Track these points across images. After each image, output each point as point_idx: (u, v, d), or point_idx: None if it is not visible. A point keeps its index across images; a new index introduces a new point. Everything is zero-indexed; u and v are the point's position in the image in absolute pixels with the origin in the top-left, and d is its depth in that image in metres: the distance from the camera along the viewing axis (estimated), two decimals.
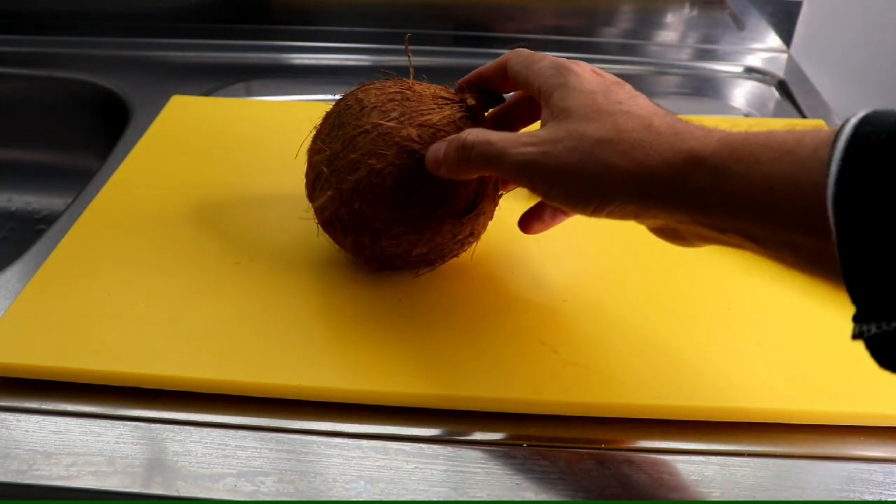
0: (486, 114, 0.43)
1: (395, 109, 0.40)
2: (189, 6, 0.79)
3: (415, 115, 0.40)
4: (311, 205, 0.43)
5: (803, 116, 0.68)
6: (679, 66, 0.77)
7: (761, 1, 0.77)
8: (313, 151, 0.43)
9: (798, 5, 0.77)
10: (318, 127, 0.43)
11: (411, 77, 0.44)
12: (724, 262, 0.47)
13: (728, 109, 0.72)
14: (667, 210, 0.32)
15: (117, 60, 0.75)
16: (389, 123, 0.39)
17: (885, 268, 0.25)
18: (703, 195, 0.30)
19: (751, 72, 0.77)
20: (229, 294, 0.44)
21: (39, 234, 0.51)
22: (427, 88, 0.42)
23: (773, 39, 0.79)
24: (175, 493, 0.34)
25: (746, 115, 0.70)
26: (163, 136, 0.60)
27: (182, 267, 0.46)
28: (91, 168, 0.60)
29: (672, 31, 0.79)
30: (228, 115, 0.63)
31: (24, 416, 0.38)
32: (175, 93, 0.66)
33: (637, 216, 0.34)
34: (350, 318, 0.42)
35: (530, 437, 0.37)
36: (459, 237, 0.42)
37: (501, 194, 0.45)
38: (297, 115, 0.63)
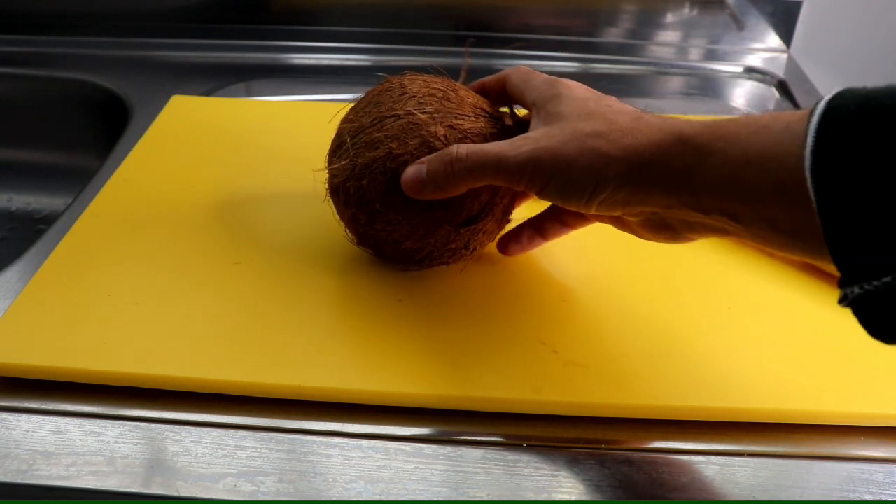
0: None
1: (432, 105, 0.40)
2: (189, 6, 0.79)
3: (449, 115, 0.40)
4: (326, 168, 0.43)
5: None
6: (679, 66, 0.77)
7: (761, 1, 0.77)
8: (344, 120, 0.43)
9: (798, 5, 0.77)
10: (358, 99, 0.44)
11: (462, 80, 0.44)
12: (723, 262, 0.47)
13: (728, 109, 0.72)
14: (655, 193, 0.33)
15: (117, 60, 0.75)
16: (422, 115, 0.40)
17: (864, 227, 0.26)
18: (689, 174, 0.31)
19: (751, 72, 0.77)
20: (229, 294, 0.44)
21: (39, 234, 0.51)
22: (470, 96, 0.42)
23: (773, 39, 0.79)
24: (175, 493, 0.34)
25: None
26: (163, 136, 0.60)
27: (182, 267, 0.46)
28: (91, 168, 0.60)
29: (672, 31, 0.79)
30: (228, 115, 0.63)
31: (24, 416, 0.38)
32: (175, 93, 0.66)
33: (627, 203, 0.34)
34: (350, 319, 0.42)
35: (530, 437, 0.37)
36: (452, 245, 0.42)
37: (510, 220, 0.45)
38: (297, 115, 0.64)
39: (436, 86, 0.41)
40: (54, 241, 0.48)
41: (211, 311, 0.42)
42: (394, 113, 0.40)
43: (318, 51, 0.78)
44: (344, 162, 0.41)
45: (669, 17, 0.79)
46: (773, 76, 0.76)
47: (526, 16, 0.79)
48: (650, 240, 0.38)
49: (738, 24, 0.78)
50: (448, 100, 0.41)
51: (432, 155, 0.39)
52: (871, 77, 0.88)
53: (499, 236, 0.45)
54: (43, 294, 0.43)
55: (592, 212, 0.36)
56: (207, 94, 0.70)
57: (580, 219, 0.43)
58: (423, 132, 0.39)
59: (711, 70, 0.77)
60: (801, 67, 0.77)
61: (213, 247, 0.47)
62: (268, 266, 0.46)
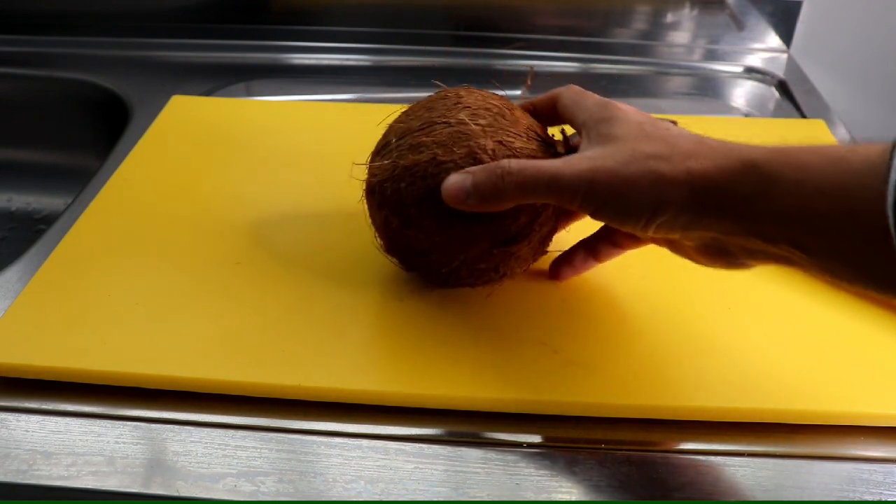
0: None
1: (485, 118, 0.39)
2: (189, 6, 0.79)
3: (501, 131, 0.39)
4: (366, 165, 0.42)
5: (803, 116, 0.68)
6: (679, 66, 0.77)
7: (761, 1, 0.77)
8: (395, 121, 0.42)
9: (798, 5, 0.77)
10: (413, 105, 0.43)
11: (522, 99, 0.43)
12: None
13: (728, 109, 0.71)
14: (719, 219, 0.32)
15: (117, 60, 0.75)
16: (474, 126, 0.39)
17: None
18: (755, 201, 0.31)
19: (751, 72, 0.77)
20: (229, 294, 0.44)
21: (39, 234, 0.51)
22: (525, 118, 0.41)
23: (773, 39, 0.79)
24: (175, 493, 0.34)
25: (746, 115, 0.70)
26: (163, 136, 0.60)
27: (182, 267, 0.46)
28: (91, 168, 0.60)
29: (672, 31, 0.79)
30: (228, 115, 0.63)
31: (24, 416, 0.38)
32: (175, 93, 0.66)
33: (687, 228, 0.34)
34: (350, 318, 0.42)
35: (530, 436, 0.37)
36: (482, 265, 0.41)
37: (546, 252, 0.44)
38: (297, 115, 0.64)
39: (492, 101, 0.41)
40: (54, 241, 0.48)
41: (211, 311, 0.42)
42: (445, 120, 0.39)
43: (318, 51, 0.78)
44: (386, 162, 0.40)
45: (669, 18, 0.79)
46: (773, 76, 0.76)
47: (526, 16, 0.79)
48: (704, 265, 0.37)
49: (738, 24, 0.78)
50: (503, 117, 0.40)
51: (480, 166, 0.37)
52: (871, 77, 0.88)
53: (531, 264, 0.44)
54: (43, 294, 0.43)
55: (649, 235, 0.35)
56: (207, 94, 0.70)
57: (634, 241, 0.41)
58: (471, 143, 0.38)
59: (711, 70, 0.77)
60: (801, 67, 0.77)
61: (213, 247, 0.47)
62: (268, 266, 0.46)
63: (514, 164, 0.36)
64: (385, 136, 0.42)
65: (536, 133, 0.41)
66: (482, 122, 0.39)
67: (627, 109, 0.37)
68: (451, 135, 0.39)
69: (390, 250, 0.43)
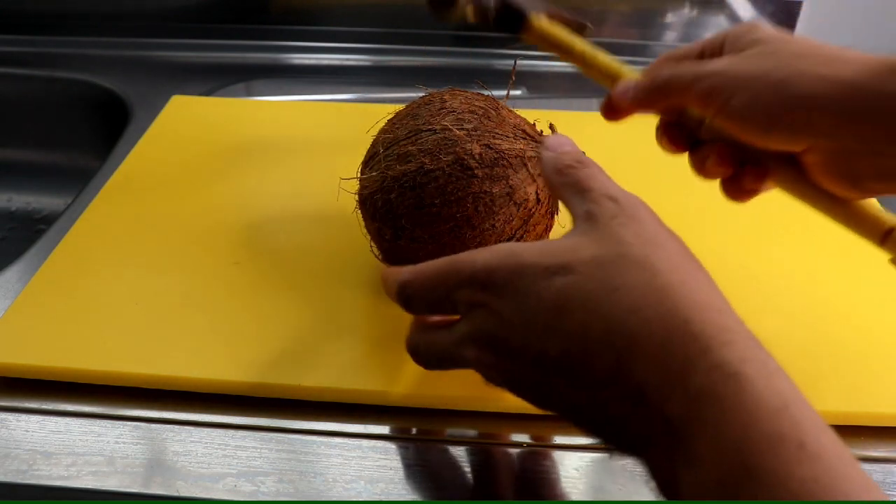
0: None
1: (471, 122, 0.39)
2: (189, 6, 0.79)
3: (487, 134, 0.39)
4: (357, 178, 0.42)
5: None
6: None
7: (761, 1, 0.77)
8: (381, 131, 0.43)
9: (798, 5, 0.77)
10: (398, 111, 0.43)
11: (507, 97, 0.43)
12: (725, 263, 0.47)
13: None
14: (861, 121, 0.31)
15: (117, 60, 0.75)
16: (458, 132, 0.39)
17: None
18: None
19: None
20: (229, 294, 0.44)
21: (39, 234, 0.51)
22: (512, 116, 0.41)
23: None
24: (175, 493, 0.34)
25: None
26: (163, 136, 0.60)
27: (182, 267, 0.46)
28: (91, 168, 0.60)
29: (672, 31, 0.79)
30: (228, 115, 0.63)
31: (24, 416, 0.38)
32: (175, 93, 0.66)
33: (824, 134, 0.31)
34: (350, 319, 0.42)
35: (530, 436, 0.37)
36: None
37: None
38: (297, 115, 0.64)
39: (477, 103, 0.40)
40: (54, 241, 0.48)
41: (211, 311, 0.42)
42: (430, 127, 0.39)
43: (318, 51, 0.78)
44: (374, 174, 0.40)
45: (669, 17, 0.79)
46: None
47: None
48: (821, 187, 0.34)
49: (738, 23, 0.78)
50: (488, 118, 0.40)
51: (645, 76, 0.37)
52: None
53: None
54: (43, 294, 0.43)
55: (776, 140, 0.32)
56: (207, 94, 0.70)
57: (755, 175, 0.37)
58: (457, 149, 0.38)
59: None
60: None
61: (213, 247, 0.47)
62: (268, 266, 0.46)
63: (665, 71, 0.36)
64: (373, 146, 0.42)
65: (524, 131, 0.40)
66: (467, 126, 0.39)
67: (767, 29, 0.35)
68: (437, 142, 0.39)
69: (387, 260, 0.43)
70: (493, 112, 0.40)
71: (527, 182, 0.39)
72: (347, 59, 0.78)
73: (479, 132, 0.39)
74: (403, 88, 0.73)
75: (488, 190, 0.38)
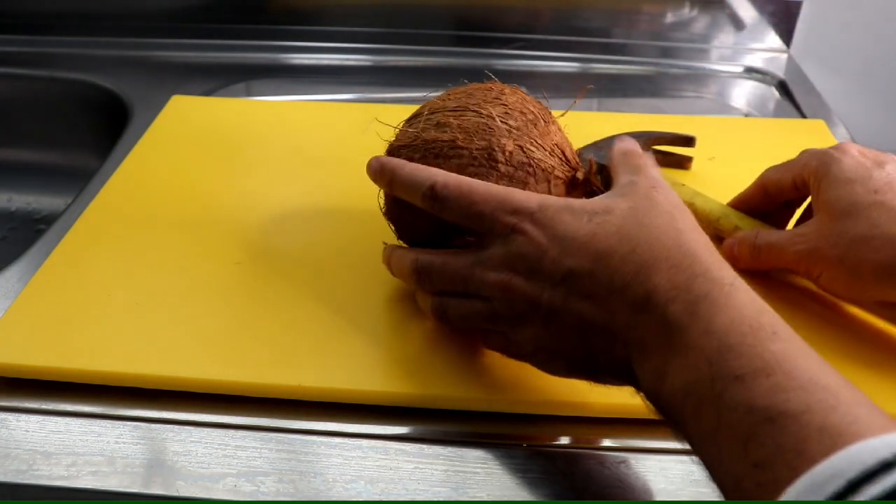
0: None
1: (516, 120, 0.40)
2: (189, 6, 0.79)
3: (526, 138, 0.39)
4: (396, 129, 0.43)
5: (803, 116, 0.68)
6: (679, 66, 0.77)
7: (761, 1, 0.77)
8: (437, 97, 0.43)
9: (798, 5, 0.77)
10: (458, 87, 0.43)
11: (562, 115, 0.43)
12: None
13: (728, 109, 0.71)
14: None
15: (117, 60, 0.75)
16: (501, 125, 0.39)
17: None
18: None
19: (751, 72, 0.77)
20: (229, 294, 0.44)
21: (39, 234, 0.51)
22: (558, 135, 0.41)
23: (773, 39, 0.79)
24: (175, 493, 0.34)
25: (746, 115, 0.70)
26: (163, 136, 0.60)
27: (182, 267, 0.46)
28: (91, 168, 0.60)
29: (672, 31, 0.79)
30: (228, 115, 0.63)
31: (24, 416, 0.38)
32: (175, 93, 0.66)
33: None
34: (350, 319, 0.42)
35: (530, 437, 0.37)
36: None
37: None
38: (297, 115, 0.64)
39: (530, 107, 0.41)
40: (54, 241, 0.48)
41: (211, 310, 0.42)
42: (477, 109, 0.40)
43: (318, 51, 0.78)
44: (411, 130, 0.41)
45: (669, 17, 0.79)
46: (773, 76, 0.76)
47: (526, 16, 0.79)
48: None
49: (738, 23, 0.78)
50: (534, 125, 0.40)
51: (743, 238, 0.44)
52: (871, 77, 0.88)
53: None
54: (43, 294, 0.43)
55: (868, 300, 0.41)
56: (207, 94, 0.70)
57: None
58: (492, 139, 0.39)
59: (711, 70, 0.77)
60: (801, 67, 0.77)
61: (213, 247, 0.47)
62: (268, 266, 0.46)
63: (760, 240, 0.43)
64: (421, 107, 0.43)
65: (563, 152, 0.40)
66: (511, 122, 0.39)
67: (842, 159, 0.40)
68: (478, 125, 0.39)
69: (388, 214, 0.42)
70: (541, 122, 0.40)
71: None
72: (347, 59, 0.78)
73: (519, 133, 0.39)
74: (403, 88, 0.73)
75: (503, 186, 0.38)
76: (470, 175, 0.38)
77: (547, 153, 0.39)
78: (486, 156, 0.38)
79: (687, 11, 0.78)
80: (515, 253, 0.34)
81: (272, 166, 0.56)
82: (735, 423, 0.26)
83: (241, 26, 0.79)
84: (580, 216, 0.33)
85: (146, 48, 0.77)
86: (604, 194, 0.35)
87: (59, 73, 0.73)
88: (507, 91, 0.41)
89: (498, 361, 0.39)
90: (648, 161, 0.37)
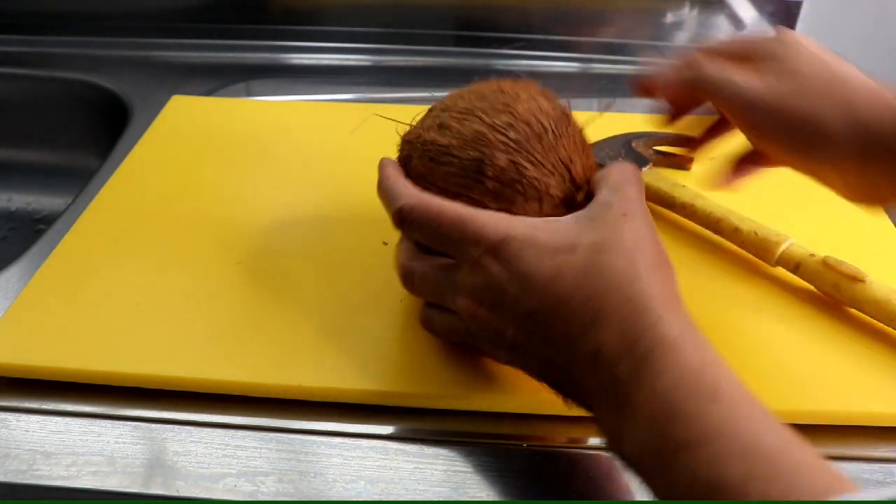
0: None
1: (519, 132, 0.37)
2: (189, 6, 0.79)
3: (522, 153, 0.36)
4: (411, 122, 0.41)
5: None
6: None
7: (761, 1, 0.77)
8: (456, 93, 0.40)
9: (798, 5, 0.77)
10: (479, 82, 0.41)
11: (587, 124, 0.40)
12: (725, 263, 0.47)
13: None
14: (879, 162, 0.34)
15: (117, 60, 0.75)
16: (498, 137, 0.36)
17: None
18: None
19: None
20: (230, 294, 0.44)
21: (39, 234, 0.51)
22: (571, 149, 0.37)
23: None
24: (175, 493, 0.34)
25: None
26: (163, 136, 0.60)
27: (182, 267, 0.46)
28: (91, 168, 0.60)
29: (672, 31, 0.79)
30: (228, 115, 0.63)
31: (24, 416, 0.38)
32: (175, 93, 0.66)
33: (849, 170, 0.35)
34: (351, 318, 0.42)
35: (530, 437, 0.37)
36: None
37: None
38: (297, 115, 0.64)
39: (542, 118, 0.37)
40: (54, 241, 0.48)
41: (211, 311, 0.42)
42: (482, 115, 0.37)
43: (318, 51, 0.78)
44: (416, 126, 0.40)
45: (669, 17, 0.79)
46: None
47: (526, 16, 0.79)
48: (846, 198, 0.38)
49: (738, 23, 0.78)
50: (539, 139, 0.37)
51: (682, 58, 0.40)
52: (871, 76, 0.88)
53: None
54: (43, 294, 0.43)
55: (797, 167, 0.37)
56: (207, 94, 0.70)
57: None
58: (485, 150, 0.36)
59: None
60: None
61: (213, 246, 0.47)
62: (268, 266, 0.46)
63: (708, 69, 0.39)
64: (443, 99, 0.41)
65: (568, 170, 0.37)
66: (512, 135, 0.37)
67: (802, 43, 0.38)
68: (475, 134, 0.37)
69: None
70: (550, 135, 0.37)
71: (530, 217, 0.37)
72: (347, 59, 0.78)
73: (517, 147, 0.36)
74: (403, 88, 0.73)
75: (486, 203, 0.36)
76: (454, 186, 0.37)
77: (546, 170, 0.37)
78: (474, 168, 0.36)
79: (687, 11, 0.78)
80: (480, 285, 0.33)
81: (272, 166, 0.56)
82: (685, 489, 0.26)
83: (241, 26, 0.79)
84: (543, 253, 0.32)
85: (146, 48, 0.77)
86: (576, 215, 0.34)
87: (59, 73, 0.73)
88: (522, 97, 0.38)
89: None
90: (632, 177, 0.35)
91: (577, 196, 0.37)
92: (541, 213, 0.37)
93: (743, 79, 0.37)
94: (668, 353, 0.29)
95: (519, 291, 0.32)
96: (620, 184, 0.35)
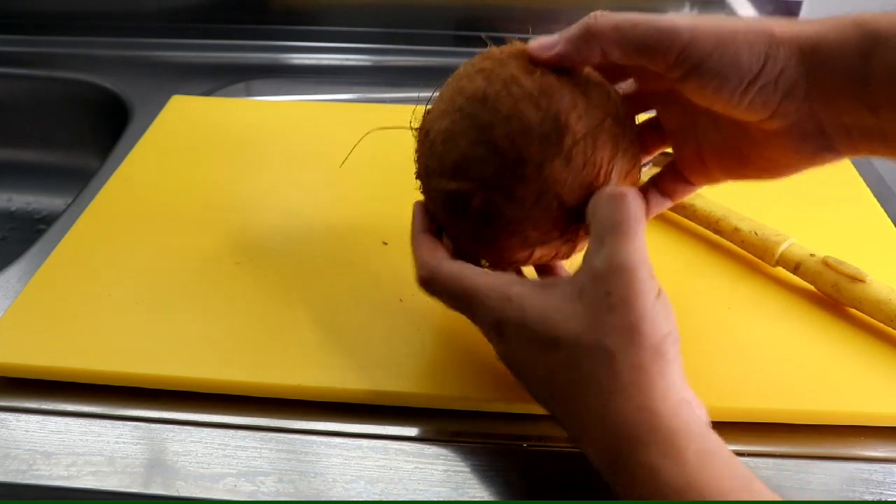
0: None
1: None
2: (189, 6, 0.79)
3: (507, 178, 0.33)
4: (429, 104, 0.38)
5: None
6: None
7: (761, 1, 0.77)
8: (468, 91, 0.35)
9: (798, 5, 0.77)
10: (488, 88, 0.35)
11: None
12: (725, 263, 0.47)
13: None
14: (825, 80, 0.31)
15: (117, 60, 0.75)
16: (478, 152, 0.33)
17: None
18: (864, 59, 0.30)
19: None
20: (229, 294, 0.44)
21: (39, 234, 0.51)
22: (578, 165, 0.33)
23: None
24: (175, 493, 0.34)
25: None
26: (163, 136, 0.60)
27: (182, 267, 0.46)
28: (91, 168, 0.60)
29: None
30: (228, 115, 0.63)
31: (24, 416, 0.38)
32: (175, 93, 0.66)
33: (787, 95, 0.31)
34: (350, 318, 0.42)
35: (530, 437, 0.37)
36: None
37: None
38: (297, 115, 0.64)
39: (521, 146, 0.33)
40: (54, 241, 0.48)
41: (211, 311, 0.42)
42: (475, 126, 0.33)
43: (318, 51, 0.78)
44: (422, 120, 0.37)
45: None
46: None
47: (526, 16, 0.79)
48: (787, 157, 0.34)
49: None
50: (514, 173, 0.33)
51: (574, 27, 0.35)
52: None
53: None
54: (43, 294, 0.43)
55: (744, 106, 0.32)
56: (207, 94, 0.70)
57: (704, 174, 0.38)
58: (462, 184, 0.34)
59: None
60: None
61: (213, 246, 0.47)
62: (268, 266, 0.46)
63: (602, 19, 0.34)
64: (447, 90, 0.37)
65: (559, 204, 0.33)
66: (489, 170, 0.33)
67: None
68: (454, 164, 0.34)
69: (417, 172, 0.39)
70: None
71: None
72: (347, 59, 0.78)
73: (496, 184, 0.33)
74: (403, 88, 0.73)
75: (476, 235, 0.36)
76: (443, 221, 0.37)
77: (527, 207, 0.33)
78: (460, 204, 0.34)
79: (687, 11, 0.78)
80: (495, 343, 0.35)
81: (272, 166, 0.56)
82: None
83: (241, 26, 0.79)
84: (532, 345, 0.32)
85: (146, 48, 0.77)
86: (572, 283, 0.32)
87: (59, 73, 0.73)
88: (503, 109, 0.33)
89: (498, 361, 0.39)
90: (631, 214, 0.32)
91: (581, 231, 0.35)
92: (541, 236, 0.35)
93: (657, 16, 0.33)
94: (647, 480, 0.28)
95: (517, 373, 0.34)
96: (606, 231, 0.32)
